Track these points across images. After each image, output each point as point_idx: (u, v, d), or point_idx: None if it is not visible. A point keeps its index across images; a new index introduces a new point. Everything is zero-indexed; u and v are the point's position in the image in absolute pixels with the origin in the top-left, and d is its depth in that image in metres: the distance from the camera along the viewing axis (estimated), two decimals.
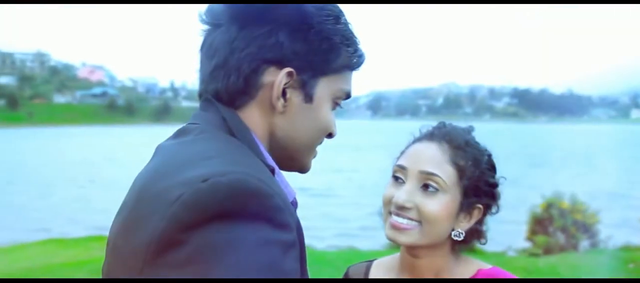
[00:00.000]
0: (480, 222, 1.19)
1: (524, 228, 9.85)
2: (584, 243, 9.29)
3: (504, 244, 10.17)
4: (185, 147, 0.83)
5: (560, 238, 9.23)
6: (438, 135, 1.19)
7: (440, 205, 1.12)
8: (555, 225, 9.19)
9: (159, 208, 0.70)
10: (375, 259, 1.29)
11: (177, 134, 0.89)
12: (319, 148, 1.01)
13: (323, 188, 20.43)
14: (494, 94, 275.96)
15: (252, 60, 0.86)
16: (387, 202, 1.16)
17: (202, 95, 0.93)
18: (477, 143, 1.20)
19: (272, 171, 0.84)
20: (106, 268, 0.81)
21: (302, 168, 0.99)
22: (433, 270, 1.18)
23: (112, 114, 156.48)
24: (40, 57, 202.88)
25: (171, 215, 0.68)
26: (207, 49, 0.91)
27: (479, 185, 1.15)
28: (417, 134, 1.24)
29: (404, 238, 1.13)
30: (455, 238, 1.16)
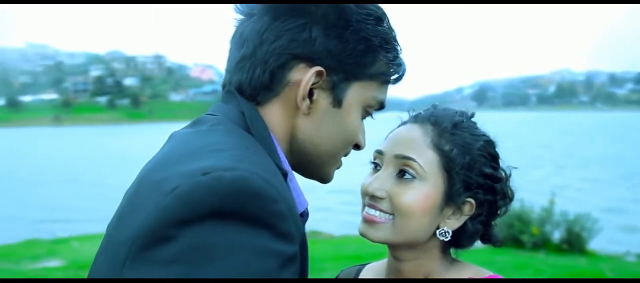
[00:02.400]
0: (484, 222, 1.02)
1: None
2: None
3: (622, 247, 9.27)
4: (197, 137, 0.78)
5: None
6: (423, 117, 1.04)
7: (416, 196, 0.96)
8: None
9: (153, 199, 0.64)
10: (367, 263, 1.18)
11: (193, 124, 0.84)
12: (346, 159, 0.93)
13: None
14: (614, 80, 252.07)
15: (281, 54, 0.80)
16: (363, 193, 1.02)
17: (226, 86, 0.87)
18: (472, 126, 1.03)
19: (285, 175, 0.78)
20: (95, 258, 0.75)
21: (323, 179, 0.91)
22: (420, 276, 1.04)
23: None
24: (158, 59, 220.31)
25: (164, 207, 0.62)
26: (237, 39, 0.85)
27: (469, 175, 0.99)
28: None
29: (376, 234, 0.98)
30: (441, 238, 1.00)
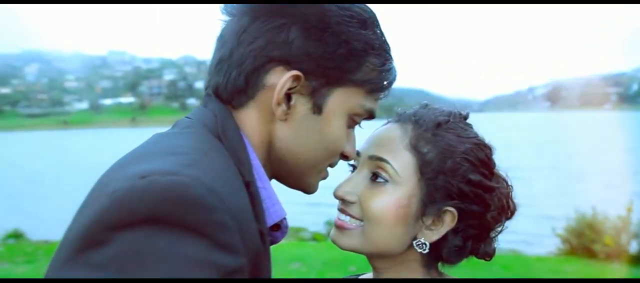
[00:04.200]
0: (474, 236, 0.92)
1: None
2: None
3: None
4: (163, 139, 0.75)
5: None
6: (406, 116, 0.95)
7: (386, 201, 0.88)
8: None
9: (96, 201, 0.63)
10: (364, 274, 1.10)
11: (173, 125, 0.82)
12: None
13: None
14: None
15: (257, 56, 0.76)
16: (335, 196, 0.96)
17: (206, 89, 0.85)
18: (460, 128, 0.92)
19: (247, 184, 0.73)
20: None
21: (305, 189, 0.86)
22: None
23: None
24: None
25: (101, 210, 0.60)
26: (218, 40, 0.83)
27: (450, 182, 0.88)
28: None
29: (345, 241, 0.91)
30: (418, 249, 0.91)
